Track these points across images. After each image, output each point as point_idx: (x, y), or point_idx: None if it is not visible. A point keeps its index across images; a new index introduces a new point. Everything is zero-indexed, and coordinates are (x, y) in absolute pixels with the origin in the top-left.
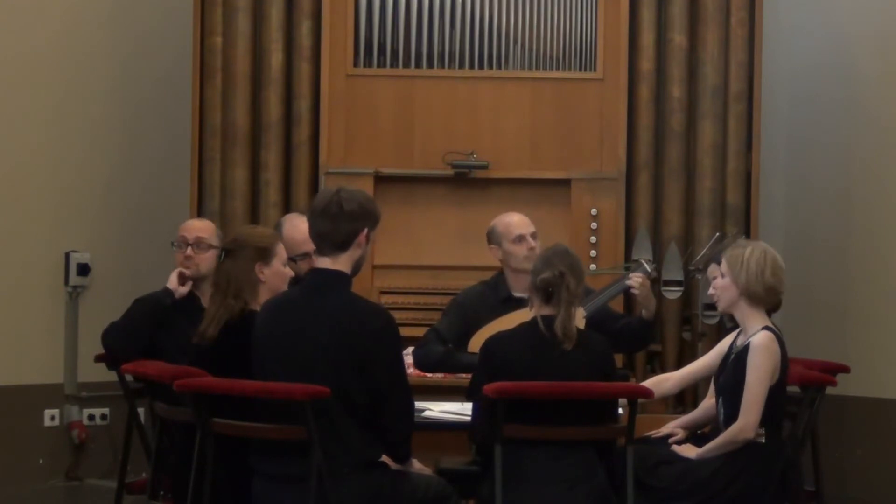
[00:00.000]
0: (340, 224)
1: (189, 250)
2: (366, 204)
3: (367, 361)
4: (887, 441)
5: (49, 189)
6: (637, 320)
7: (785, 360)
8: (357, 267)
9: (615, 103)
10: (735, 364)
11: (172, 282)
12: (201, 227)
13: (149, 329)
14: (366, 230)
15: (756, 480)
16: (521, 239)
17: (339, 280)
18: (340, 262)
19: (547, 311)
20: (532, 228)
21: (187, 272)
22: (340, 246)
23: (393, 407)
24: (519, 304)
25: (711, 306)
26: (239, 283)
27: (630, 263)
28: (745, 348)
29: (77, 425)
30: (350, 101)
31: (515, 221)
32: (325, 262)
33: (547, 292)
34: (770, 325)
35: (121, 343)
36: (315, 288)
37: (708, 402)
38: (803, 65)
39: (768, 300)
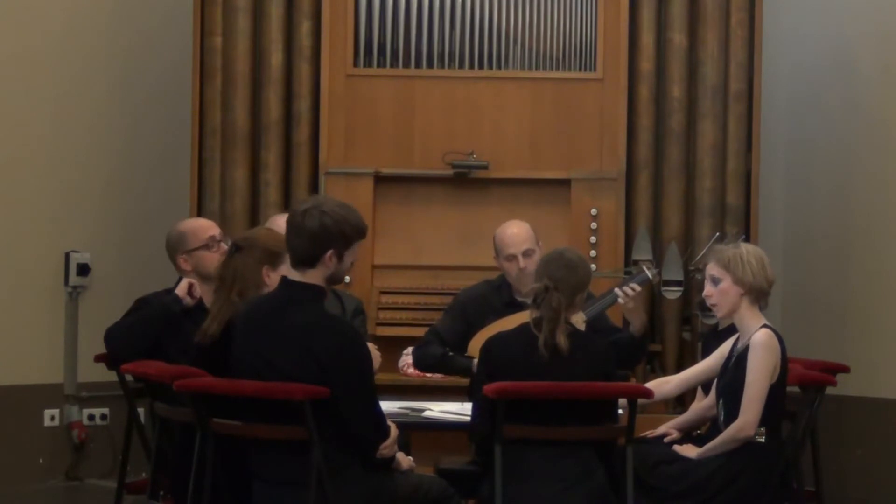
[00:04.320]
0: (302, 242)
1: (223, 246)
2: (332, 226)
3: (327, 377)
4: (887, 441)
5: (49, 189)
6: (627, 337)
7: (785, 359)
8: (334, 280)
9: (615, 103)
10: (736, 366)
11: (182, 290)
12: (216, 226)
13: (154, 334)
14: (331, 251)
15: (756, 480)
16: (511, 258)
17: (307, 293)
18: (310, 276)
19: (538, 315)
20: (525, 246)
21: (196, 291)
22: (304, 262)
23: (358, 418)
24: (521, 308)
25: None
26: (244, 281)
27: (632, 267)
28: (746, 349)
29: (77, 425)
30: (350, 101)
31: (507, 239)
32: (294, 275)
33: (535, 301)
34: (767, 323)
35: (124, 345)
36: (283, 301)
37: (698, 405)
38: (803, 65)
39: (766, 295)
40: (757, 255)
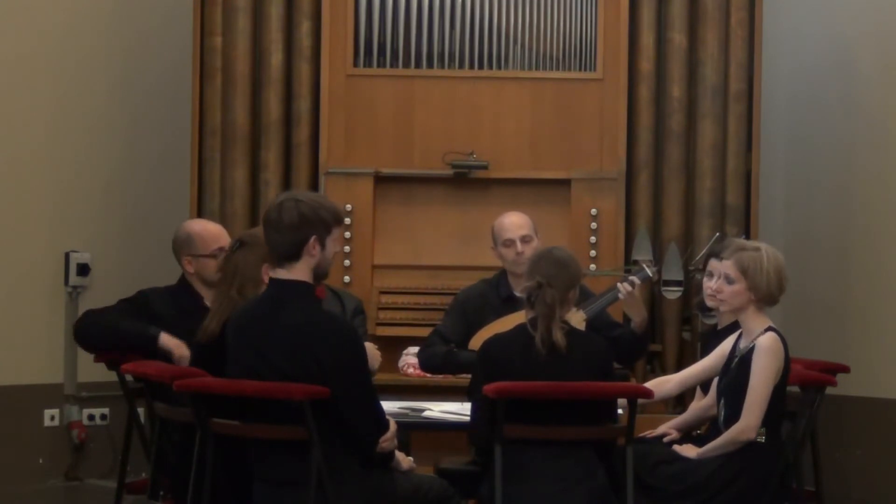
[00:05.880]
0: (283, 235)
1: None
2: (309, 213)
3: (326, 375)
4: (887, 441)
5: (49, 189)
6: (629, 334)
7: (788, 362)
8: (320, 272)
9: (615, 103)
10: (739, 367)
11: (171, 344)
12: (225, 234)
13: (121, 347)
14: (313, 238)
15: (756, 480)
16: (510, 243)
17: (298, 291)
18: (296, 272)
19: (532, 315)
20: (523, 231)
21: (179, 361)
22: (289, 257)
23: (358, 414)
24: (520, 303)
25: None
26: (244, 278)
27: (631, 266)
28: (750, 351)
29: (77, 425)
30: (350, 101)
31: (507, 224)
32: (281, 273)
33: (528, 300)
34: (773, 325)
35: (90, 336)
36: (274, 301)
37: (697, 404)
38: (803, 65)
39: (775, 303)
40: (776, 264)
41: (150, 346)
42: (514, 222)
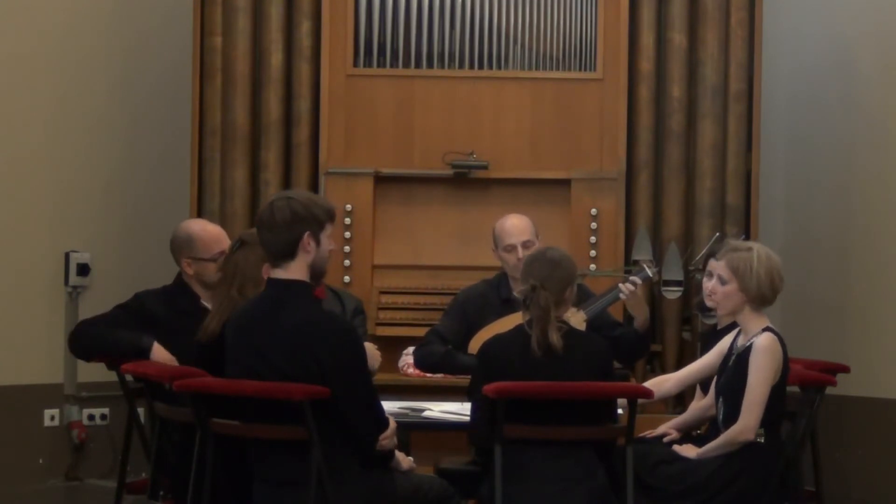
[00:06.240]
0: (277, 234)
1: None
2: (301, 210)
3: (326, 375)
4: (887, 441)
5: (49, 189)
6: (632, 333)
7: (786, 362)
8: (317, 271)
9: (615, 103)
10: (736, 365)
11: (162, 358)
12: (226, 238)
13: (113, 355)
14: (307, 234)
15: (756, 480)
16: (511, 248)
17: (296, 290)
18: (293, 271)
19: (529, 317)
20: (525, 237)
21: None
22: (284, 255)
23: (358, 413)
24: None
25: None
26: (244, 277)
27: (631, 266)
28: (747, 349)
29: (77, 425)
30: (350, 101)
31: (508, 228)
32: (278, 273)
33: (524, 303)
34: (770, 325)
35: (84, 347)
36: (273, 301)
37: (697, 404)
38: (803, 64)
39: (770, 303)
40: (768, 265)
41: (141, 357)
42: (516, 226)
